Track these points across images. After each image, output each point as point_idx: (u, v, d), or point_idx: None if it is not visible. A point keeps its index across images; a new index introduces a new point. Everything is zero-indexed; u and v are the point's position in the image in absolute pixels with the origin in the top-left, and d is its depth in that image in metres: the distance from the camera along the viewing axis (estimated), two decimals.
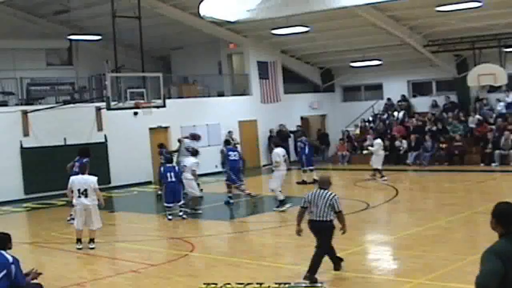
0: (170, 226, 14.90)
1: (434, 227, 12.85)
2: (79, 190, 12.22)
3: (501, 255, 4.04)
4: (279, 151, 16.21)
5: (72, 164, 15.18)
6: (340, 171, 24.74)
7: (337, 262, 9.47)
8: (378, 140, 21.42)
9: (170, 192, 15.30)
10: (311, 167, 21.07)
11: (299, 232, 9.37)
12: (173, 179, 15.27)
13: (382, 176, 20.56)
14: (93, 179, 12.33)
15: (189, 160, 16.51)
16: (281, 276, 9.37)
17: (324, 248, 9.19)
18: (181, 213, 15.21)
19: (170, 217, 15.24)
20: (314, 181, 20.28)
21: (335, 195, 9.17)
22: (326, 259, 9.94)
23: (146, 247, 12.51)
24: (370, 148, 21.69)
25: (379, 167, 20.71)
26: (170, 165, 15.85)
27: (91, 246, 12.27)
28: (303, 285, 8.81)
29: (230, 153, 18.16)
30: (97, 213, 12.36)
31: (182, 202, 15.41)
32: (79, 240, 12.42)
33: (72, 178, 12.74)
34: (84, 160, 16.12)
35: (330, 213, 9.06)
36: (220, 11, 21.42)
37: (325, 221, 9.07)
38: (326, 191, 9.21)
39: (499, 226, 4.24)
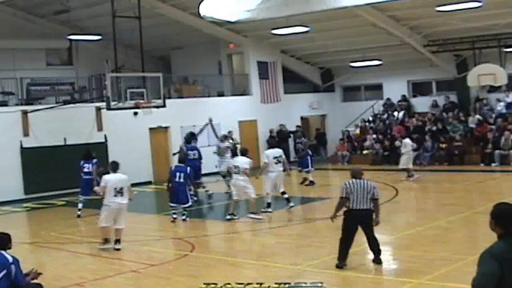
0: (170, 226, 14.88)
1: (434, 227, 12.85)
2: (115, 189, 11.87)
3: (498, 257, 4.05)
4: (268, 152, 15.69)
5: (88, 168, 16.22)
6: (340, 171, 24.72)
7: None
8: (407, 140, 21.19)
9: (174, 192, 15.08)
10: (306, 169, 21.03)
11: (335, 218, 9.75)
12: (181, 180, 14.95)
13: (409, 176, 20.37)
14: (126, 177, 12.15)
15: (240, 160, 15.04)
16: (281, 276, 9.36)
17: (373, 232, 9.61)
18: (183, 216, 14.99)
19: (174, 216, 15.10)
20: (303, 182, 20.31)
21: (374, 183, 9.70)
22: (327, 258, 9.97)
23: (146, 247, 12.50)
24: (401, 148, 21.34)
25: (406, 167, 20.54)
26: (181, 165, 15.41)
27: (117, 247, 11.96)
28: (303, 285, 8.81)
29: (189, 152, 17.98)
30: (125, 212, 12.20)
31: (188, 204, 15.06)
32: (107, 240, 12.15)
33: (106, 177, 12.20)
34: (94, 161, 16.36)
35: (371, 202, 9.52)
36: (220, 11, 21.42)
37: (368, 209, 9.53)
38: (364, 180, 9.66)
39: (498, 227, 4.25)
